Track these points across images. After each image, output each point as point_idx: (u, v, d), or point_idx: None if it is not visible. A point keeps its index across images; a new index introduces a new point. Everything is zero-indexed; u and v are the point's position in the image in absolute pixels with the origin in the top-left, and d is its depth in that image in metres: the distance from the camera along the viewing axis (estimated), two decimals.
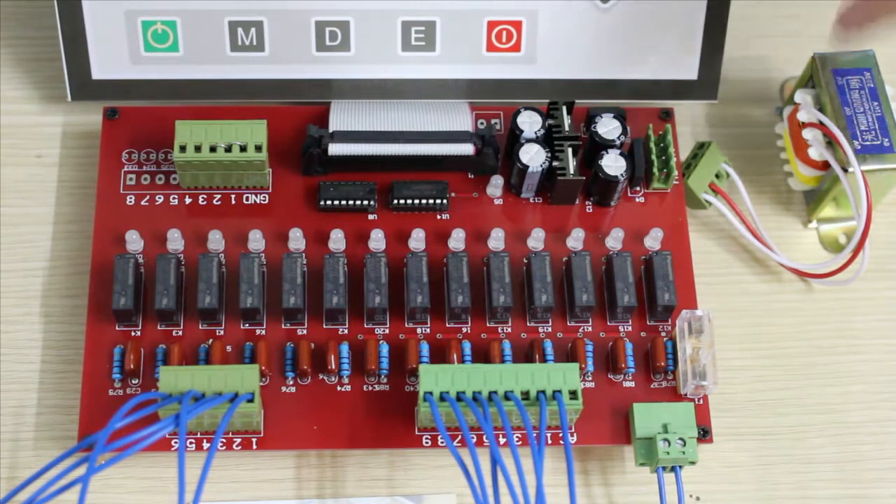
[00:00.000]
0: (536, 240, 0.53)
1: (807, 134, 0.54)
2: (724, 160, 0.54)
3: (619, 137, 0.54)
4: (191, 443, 0.49)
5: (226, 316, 0.52)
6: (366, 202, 0.53)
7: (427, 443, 0.50)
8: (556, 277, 0.53)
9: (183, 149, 0.51)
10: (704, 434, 0.50)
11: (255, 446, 0.49)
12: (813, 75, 0.54)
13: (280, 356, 0.51)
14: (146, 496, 0.50)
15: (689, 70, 0.56)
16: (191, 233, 0.53)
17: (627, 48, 0.55)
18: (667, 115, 0.56)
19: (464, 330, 0.52)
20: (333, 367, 0.50)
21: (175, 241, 0.52)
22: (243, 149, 0.52)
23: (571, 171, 0.53)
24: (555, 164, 0.53)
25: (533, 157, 0.53)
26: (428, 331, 0.52)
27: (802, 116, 0.54)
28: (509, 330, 0.52)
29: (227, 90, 0.55)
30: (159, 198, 0.54)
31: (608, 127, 0.54)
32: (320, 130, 0.53)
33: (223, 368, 0.47)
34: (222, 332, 0.51)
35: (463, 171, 0.55)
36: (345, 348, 0.51)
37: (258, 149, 0.52)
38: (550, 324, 0.52)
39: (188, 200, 0.54)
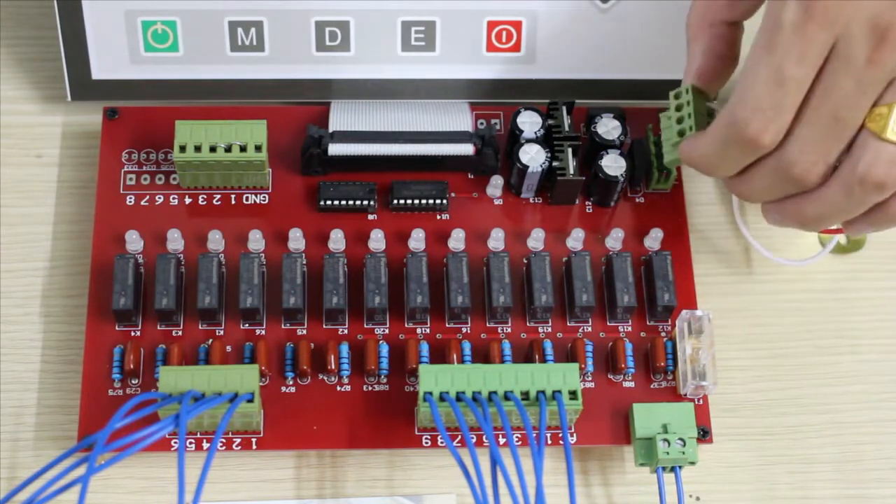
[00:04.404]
0: (536, 240, 0.53)
1: None
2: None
3: (618, 137, 0.54)
4: (191, 443, 0.49)
5: (226, 316, 0.52)
6: (366, 202, 0.53)
7: (427, 443, 0.50)
8: (556, 277, 0.53)
9: (183, 149, 0.51)
10: (704, 434, 0.50)
11: (254, 446, 0.49)
12: None
13: (280, 356, 0.51)
14: (146, 496, 0.50)
15: None
16: (191, 233, 0.53)
17: (627, 48, 0.55)
18: None
19: (464, 330, 0.52)
20: (333, 367, 0.50)
21: (175, 241, 0.52)
22: (243, 149, 0.52)
23: (571, 171, 0.53)
24: (555, 164, 0.53)
25: (533, 157, 0.53)
26: (428, 331, 0.52)
27: None
28: (509, 330, 0.52)
29: (227, 90, 0.55)
30: (159, 198, 0.54)
31: (608, 127, 0.54)
32: (320, 130, 0.53)
33: (223, 368, 0.47)
34: (222, 332, 0.51)
35: (463, 171, 0.55)
36: (345, 348, 0.51)
37: (258, 149, 0.52)
38: (550, 324, 0.52)
39: (188, 200, 0.54)
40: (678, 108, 0.48)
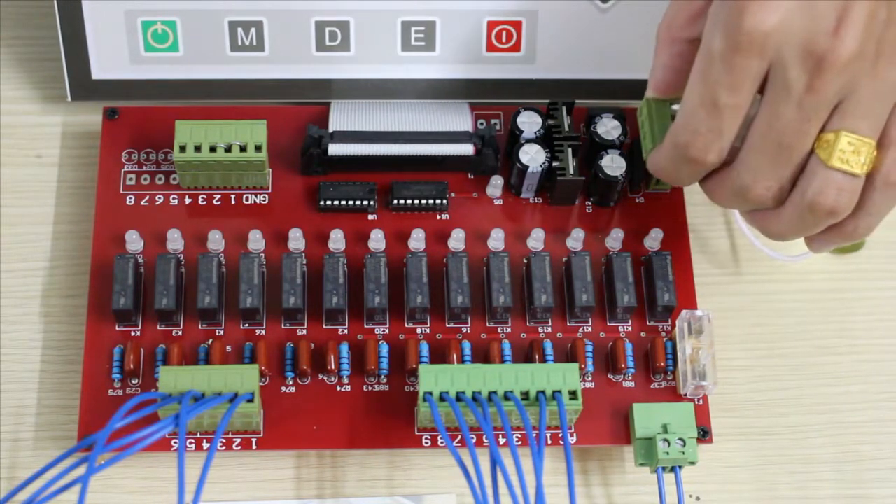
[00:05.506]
0: (536, 240, 0.53)
1: None
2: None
3: (618, 138, 0.54)
4: (190, 443, 0.49)
5: (226, 316, 0.52)
6: (366, 202, 0.53)
7: (427, 443, 0.50)
8: (556, 277, 0.53)
9: (183, 149, 0.51)
10: (704, 434, 0.50)
11: (254, 446, 0.49)
12: None
13: (280, 356, 0.51)
14: (146, 496, 0.50)
15: None
16: (191, 233, 0.53)
17: (627, 48, 0.55)
18: None
19: (464, 330, 0.52)
20: (333, 367, 0.50)
21: (175, 241, 0.52)
22: (243, 149, 0.52)
23: (571, 172, 0.53)
24: (555, 164, 0.53)
25: (533, 157, 0.53)
26: (428, 331, 0.52)
27: None
28: (509, 330, 0.52)
29: (227, 90, 0.55)
30: (159, 198, 0.54)
31: (608, 127, 0.54)
32: (320, 130, 0.53)
33: (223, 368, 0.47)
34: (222, 332, 0.51)
35: (463, 171, 0.55)
36: (344, 348, 0.51)
37: (258, 149, 0.52)
38: (550, 324, 0.52)
39: (188, 200, 0.54)
40: (642, 125, 0.49)
